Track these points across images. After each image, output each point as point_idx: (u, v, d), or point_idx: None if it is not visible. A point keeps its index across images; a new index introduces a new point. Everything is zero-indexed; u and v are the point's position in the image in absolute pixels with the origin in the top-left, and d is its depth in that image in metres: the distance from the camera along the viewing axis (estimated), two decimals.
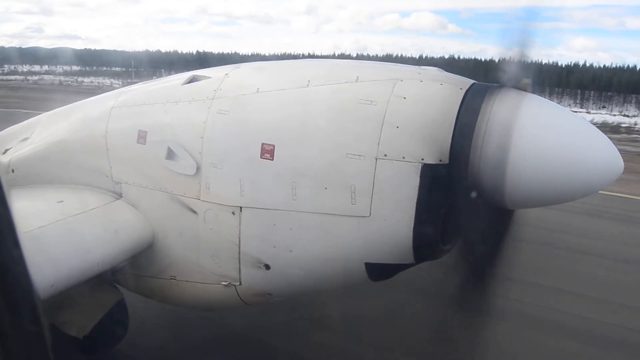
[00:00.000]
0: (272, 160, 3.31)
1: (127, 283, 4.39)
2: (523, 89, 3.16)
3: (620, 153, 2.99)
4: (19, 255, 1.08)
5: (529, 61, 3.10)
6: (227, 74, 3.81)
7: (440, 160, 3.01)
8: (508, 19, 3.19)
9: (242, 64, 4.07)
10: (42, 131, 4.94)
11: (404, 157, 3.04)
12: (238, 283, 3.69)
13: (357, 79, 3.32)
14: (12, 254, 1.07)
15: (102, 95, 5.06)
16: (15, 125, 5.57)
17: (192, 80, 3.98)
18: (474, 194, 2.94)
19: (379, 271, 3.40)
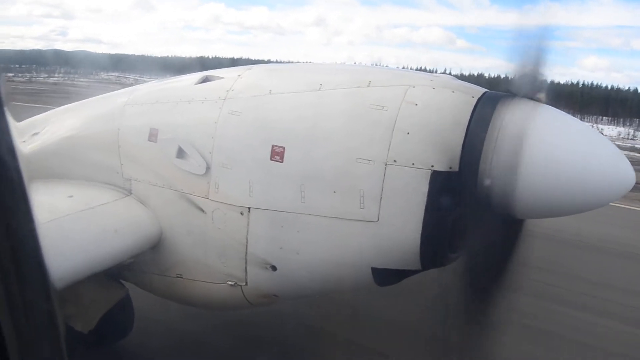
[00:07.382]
0: (282, 162, 3.32)
1: (133, 279, 4.41)
2: (536, 100, 3.15)
3: None
4: (33, 229, 1.08)
5: (543, 78, 3.09)
6: (240, 75, 3.84)
7: (450, 168, 3.01)
8: (519, 36, 3.19)
9: (255, 65, 4.09)
10: (53, 126, 4.99)
11: (413, 164, 3.04)
12: (244, 283, 3.70)
13: (369, 83, 3.33)
14: (28, 227, 1.07)
15: (114, 92, 5.10)
16: (28, 119, 5.62)
17: (205, 80, 4.01)
18: (483, 203, 2.94)
19: (385, 276, 3.40)
